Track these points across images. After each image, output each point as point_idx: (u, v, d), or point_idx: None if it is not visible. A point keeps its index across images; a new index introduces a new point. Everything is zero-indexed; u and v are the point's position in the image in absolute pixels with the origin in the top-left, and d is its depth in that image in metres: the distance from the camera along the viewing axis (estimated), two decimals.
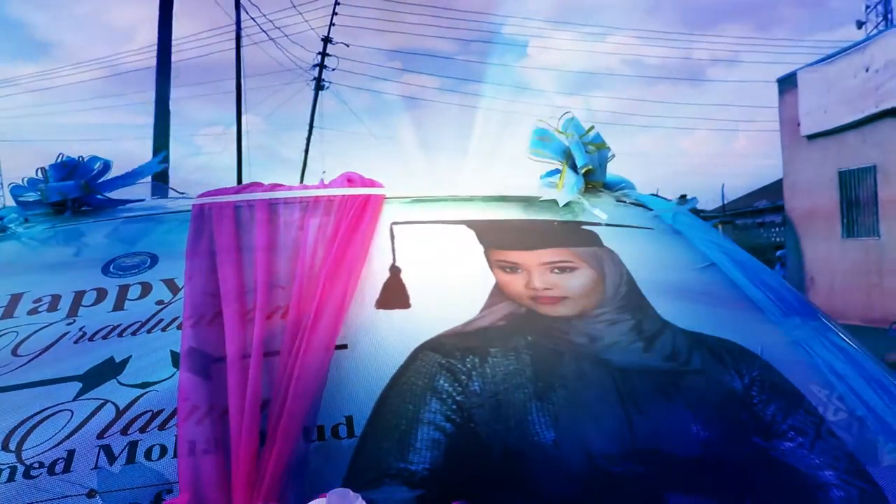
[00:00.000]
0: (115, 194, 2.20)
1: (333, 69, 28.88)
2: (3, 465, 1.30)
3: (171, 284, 1.71)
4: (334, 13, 27.91)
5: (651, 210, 2.07)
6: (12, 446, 1.33)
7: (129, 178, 2.22)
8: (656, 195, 2.20)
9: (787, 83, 18.34)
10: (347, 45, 29.23)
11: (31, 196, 2.17)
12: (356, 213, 1.88)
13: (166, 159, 2.27)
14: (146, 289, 1.71)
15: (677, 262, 1.85)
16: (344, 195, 1.99)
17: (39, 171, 2.22)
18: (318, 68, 28.36)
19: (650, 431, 1.39)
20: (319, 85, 28.18)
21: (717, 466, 1.35)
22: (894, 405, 1.47)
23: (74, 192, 2.11)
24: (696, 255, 1.86)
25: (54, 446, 1.33)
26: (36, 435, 1.35)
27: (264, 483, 1.19)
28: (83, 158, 2.26)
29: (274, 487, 1.19)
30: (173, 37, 15.90)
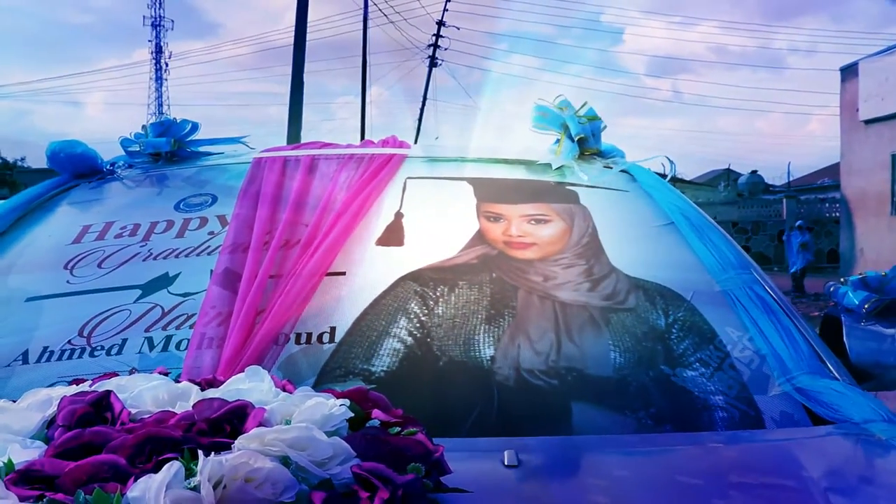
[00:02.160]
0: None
1: (446, 49, 28.83)
2: (76, 346, 1.48)
3: (222, 219, 1.84)
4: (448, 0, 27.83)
5: (631, 175, 2.09)
6: (85, 333, 1.51)
7: (212, 142, 2.37)
8: (639, 165, 2.21)
9: (849, 72, 17.45)
10: (458, 28, 29.11)
11: (135, 147, 2.34)
12: (377, 169, 1.97)
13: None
14: (203, 222, 1.85)
15: (641, 220, 1.89)
16: (373, 154, 2.09)
17: (142, 127, 2.39)
18: (432, 48, 28.38)
19: (573, 354, 1.45)
20: (433, 62, 28.23)
21: (621, 386, 1.41)
22: (794, 348, 1.49)
23: (165, 146, 2.27)
24: (660, 214, 1.89)
25: (113, 335, 1.50)
26: (103, 326, 1.53)
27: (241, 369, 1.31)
28: (177, 119, 2.42)
29: None
30: (310, 19, 16.16)
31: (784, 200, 26.37)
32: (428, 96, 27.60)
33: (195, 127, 2.36)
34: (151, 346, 1.48)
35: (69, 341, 1.48)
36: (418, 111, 27.53)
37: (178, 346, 1.47)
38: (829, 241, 23.68)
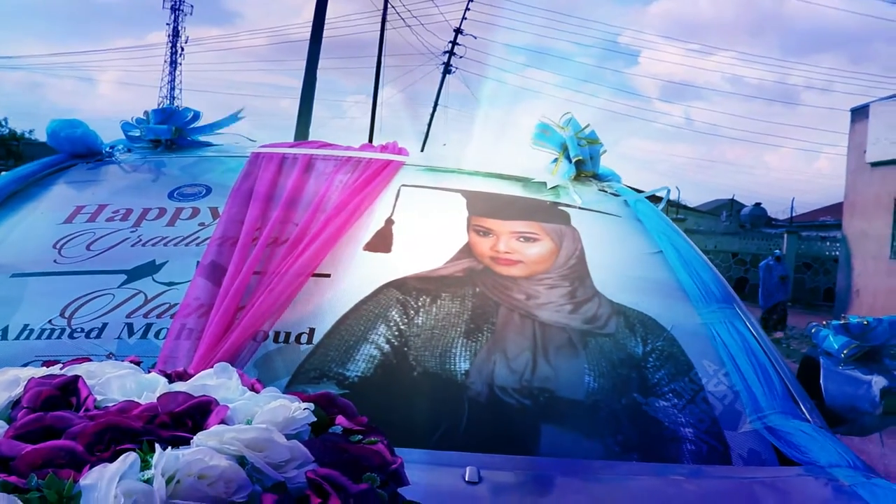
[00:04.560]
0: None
1: (461, 57, 28.85)
2: (56, 326, 1.49)
3: (214, 211, 1.85)
4: (467, 8, 27.87)
5: (625, 201, 2.10)
6: (66, 314, 1.52)
7: (212, 127, 2.38)
8: (633, 188, 2.22)
9: (860, 113, 17.53)
10: (476, 37, 29.15)
11: (135, 132, 2.35)
12: (373, 174, 1.98)
13: (238, 116, 2.40)
14: (195, 212, 1.86)
15: (630, 246, 1.90)
16: (370, 158, 2.10)
17: (144, 113, 2.41)
18: (447, 54, 28.42)
19: (547, 375, 1.46)
20: (447, 69, 28.26)
21: (592, 410, 1.42)
22: (768, 387, 1.50)
23: (166, 134, 2.28)
24: (649, 242, 1.90)
25: (94, 318, 1.51)
26: (85, 308, 1.54)
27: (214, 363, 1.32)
28: (179, 107, 2.44)
29: None
30: (328, 15, 16.13)
31: (785, 235, 26.38)
32: (439, 102, 27.62)
33: (196, 115, 2.38)
34: (131, 333, 1.48)
35: (50, 321, 1.49)
36: (428, 116, 27.55)
37: (156, 335, 1.48)
38: (827, 280, 23.70)
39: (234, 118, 2.41)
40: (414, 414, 1.39)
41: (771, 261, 15.85)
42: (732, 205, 38.16)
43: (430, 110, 27.39)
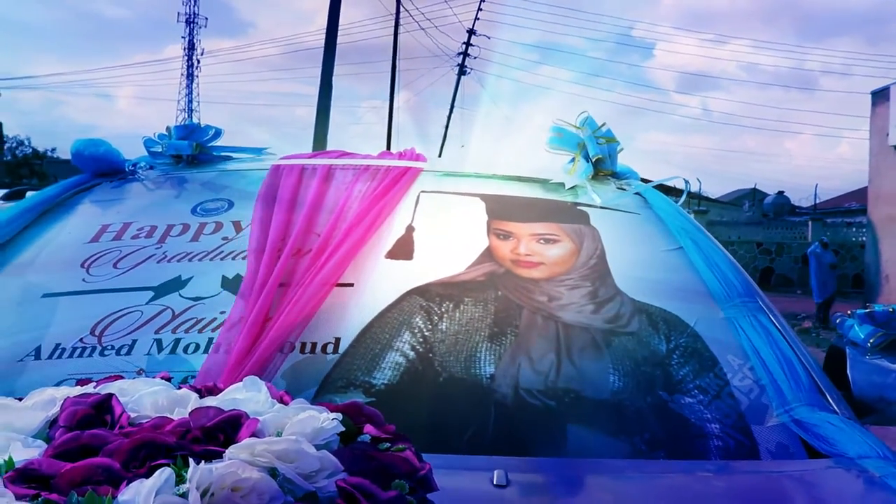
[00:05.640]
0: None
1: (475, 57, 28.92)
2: (87, 344, 1.53)
3: (237, 225, 1.88)
4: (479, 9, 27.94)
5: (644, 198, 2.11)
6: (97, 332, 1.55)
7: (234, 150, 2.41)
8: (654, 187, 2.22)
9: (880, 96, 17.28)
10: (489, 38, 29.20)
11: (157, 148, 2.39)
12: (392, 182, 2.00)
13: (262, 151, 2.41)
14: (218, 227, 1.89)
15: (650, 243, 1.90)
16: (388, 166, 2.12)
17: (166, 128, 2.44)
18: (462, 56, 28.50)
19: (572, 375, 1.47)
20: (462, 70, 28.34)
21: (617, 409, 1.42)
22: (794, 379, 1.50)
23: (187, 150, 2.31)
24: (670, 239, 1.90)
25: (124, 335, 1.54)
26: (115, 325, 1.57)
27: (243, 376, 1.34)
28: (201, 124, 2.47)
29: None
30: (341, 22, 16.21)
31: (810, 223, 26.15)
32: (456, 104, 27.68)
33: (218, 133, 2.41)
34: (160, 349, 1.51)
35: (81, 339, 1.52)
36: (445, 118, 27.61)
37: (185, 350, 1.50)
38: (854, 266, 23.44)
39: (258, 150, 2.42)
40: (441, 419, 1.40)
41: (818, 248, 14.98)
42: (755, 194, 37.91)
43: (447, 112, 27.47)
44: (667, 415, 1.43)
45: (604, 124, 2.23)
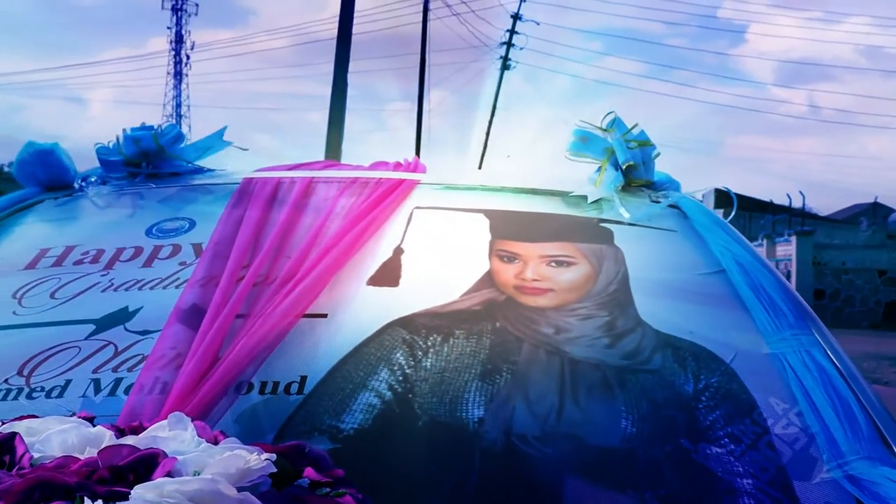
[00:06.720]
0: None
1: (522, 48, 29.14)
2: (13, 386, 1.62)
3: (197, 248, 1.97)
4: None
5: (683, 212, 2.15)
6: (25, 372, 1.64)
7: (196, 146, 2.52)
8: (699, 199, 2.27)
9: None
10: (538, 24, 29.42)
11: (113, 157, 2.49)
12: (381, 196, 2.08)
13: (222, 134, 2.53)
14: (175, 250, 1.98)
15: (685, 265, 1.94)
16: (379, 179, 2.20)
17: (122, 132, 2.55)
18: (505, 46, 28.74)
19: (577, 420, 1.52)
20: (506, 64, 28.56)
21: (627, 460, 1.47)
22: (852, 427, 1.51)
23: (148, 142, 2.40)
24: (709, 260, 1.94)
25: (56, 375, 1.63)
26: (47, 364, 1.66)
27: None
28: (161, 126, 2.58)
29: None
30: (359, 8, 16.35)
31: None
32: (498, 105, 27.88)
33: (181, 136, 2.52)
34: (97, 389, 1.60)
35: (6, 380, 1.62)
36: (486, 123, 27.80)
37: (126, 391, 1.59)
38: None
39: (216, 137, 2.52)
40: (417, 469, 1.46)
41: None
42: (875, 210, 37.35)
43: (489, 115, 27.64)
44: (688, 467, 1.47)
45: (635, 125, 2.29)
